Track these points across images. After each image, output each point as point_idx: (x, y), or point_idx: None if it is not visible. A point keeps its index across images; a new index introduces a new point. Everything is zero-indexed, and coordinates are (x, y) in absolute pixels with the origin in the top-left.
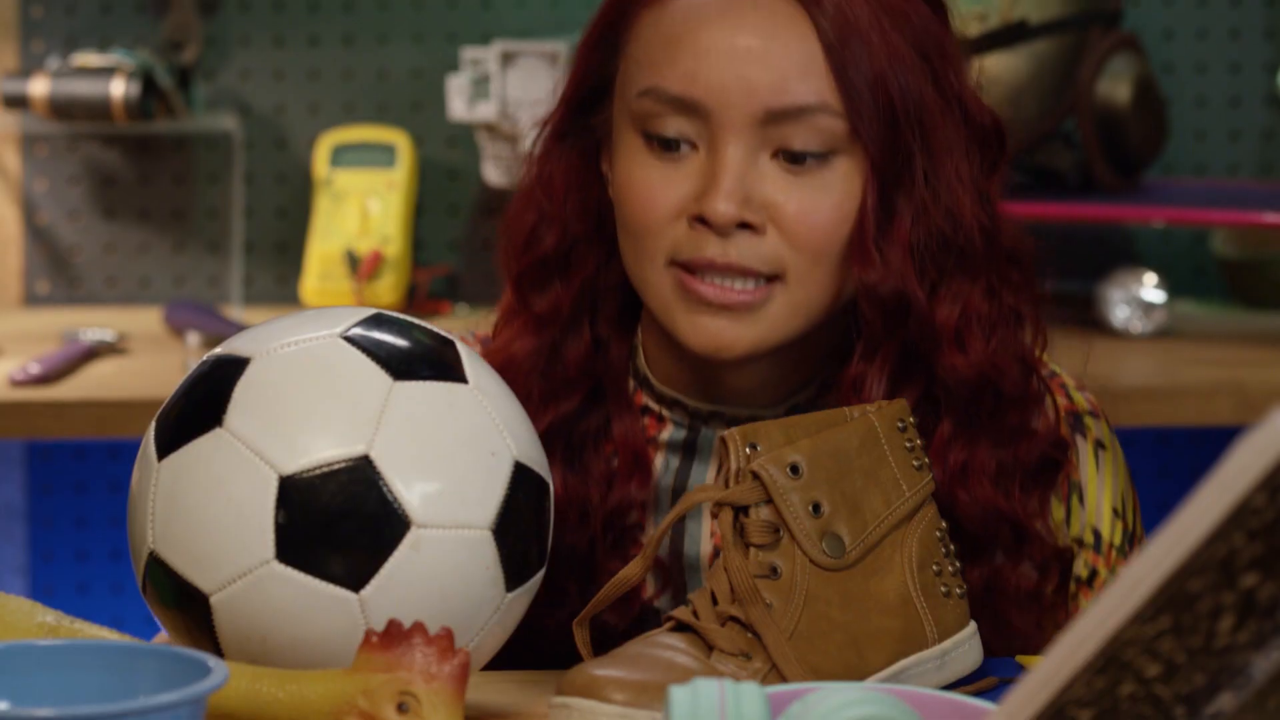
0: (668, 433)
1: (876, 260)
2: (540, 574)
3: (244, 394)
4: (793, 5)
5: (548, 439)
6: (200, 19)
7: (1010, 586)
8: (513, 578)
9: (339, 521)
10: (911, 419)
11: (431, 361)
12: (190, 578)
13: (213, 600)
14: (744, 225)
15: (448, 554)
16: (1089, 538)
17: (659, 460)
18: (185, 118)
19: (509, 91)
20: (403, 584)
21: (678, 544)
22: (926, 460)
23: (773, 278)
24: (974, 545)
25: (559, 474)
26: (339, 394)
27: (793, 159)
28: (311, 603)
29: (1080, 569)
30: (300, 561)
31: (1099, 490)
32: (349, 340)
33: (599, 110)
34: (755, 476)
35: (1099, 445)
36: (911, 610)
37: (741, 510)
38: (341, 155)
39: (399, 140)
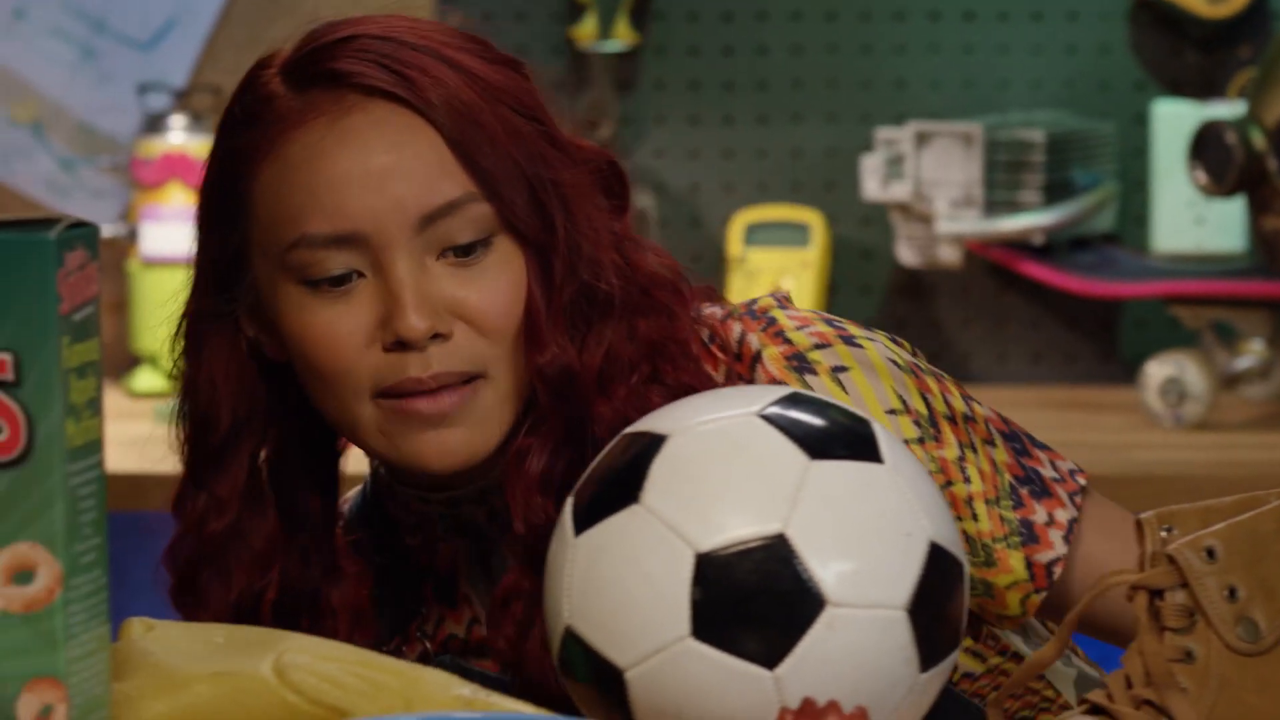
0: (443, 523)
1: (549, 342)
2: (955, 654)
3: (661, 471)
4: (408, 114)
5: (257, 619)
6: (616, 97)
7: None
8: (927, 658)
9: (754, 599)
10: None
11: (848, 441)
12: (606, 653)
13: (628, 676)
14: (435, 335)
15: (862, 633)
16: None
17: (452, 546)
18: None
19: (923, 172)
20: (817, 663)
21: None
22: None
23: (474, 377)
24: None
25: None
26: (755, 472)
27: (459, 252)
28: (725, 680)
29: None
30: (715, 638)
31: (861, 408)
32: (765, 419)
33: (237, 281)
34: (1170, 560)
35: (836, 371)
36: None
37: (1156, 594)
38: (755, 234)
39: (812, 219)
